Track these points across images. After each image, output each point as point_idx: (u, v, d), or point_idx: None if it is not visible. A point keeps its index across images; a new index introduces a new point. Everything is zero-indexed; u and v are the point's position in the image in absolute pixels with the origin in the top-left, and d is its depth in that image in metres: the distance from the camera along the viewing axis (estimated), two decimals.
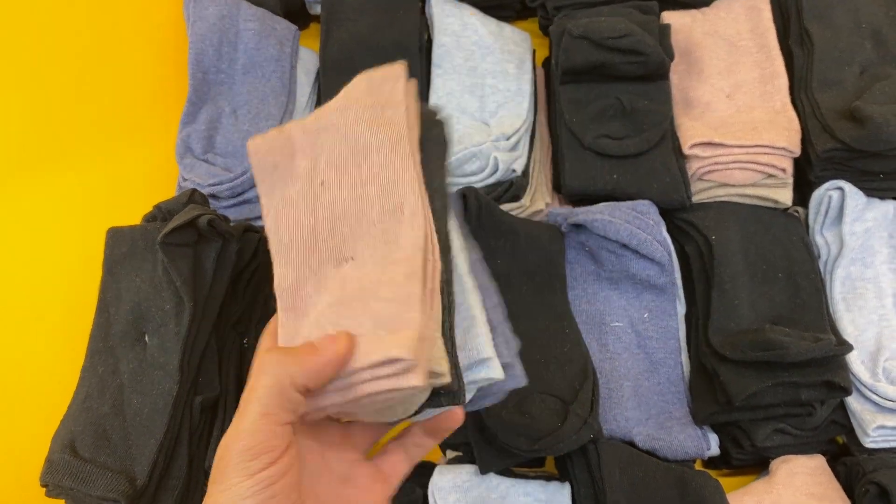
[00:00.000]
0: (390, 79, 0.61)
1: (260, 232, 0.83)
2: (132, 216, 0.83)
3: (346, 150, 0.60)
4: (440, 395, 0.54)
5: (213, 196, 0.91)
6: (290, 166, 0.61)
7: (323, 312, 0.56)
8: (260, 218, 0.87)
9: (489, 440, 0.77)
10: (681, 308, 0.88)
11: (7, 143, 1.06)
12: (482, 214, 0.82)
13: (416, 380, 0.51)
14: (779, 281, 0.84)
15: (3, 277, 0.98)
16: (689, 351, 0.86)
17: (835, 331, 0.82)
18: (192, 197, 0.81)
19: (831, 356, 0.76)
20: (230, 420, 0.74)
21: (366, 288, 0.56)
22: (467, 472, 0.79)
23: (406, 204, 0.58)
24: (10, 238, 1.00)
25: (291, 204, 0.60)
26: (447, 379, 0.53)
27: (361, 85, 0.62)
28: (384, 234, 0.58)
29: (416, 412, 0.56)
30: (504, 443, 0.74)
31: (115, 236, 0.79)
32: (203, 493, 0.72)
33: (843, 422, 0.81)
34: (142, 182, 1.02)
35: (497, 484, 0.79)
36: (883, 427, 0.78)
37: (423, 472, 0.83)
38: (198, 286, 0.75)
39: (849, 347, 0.77)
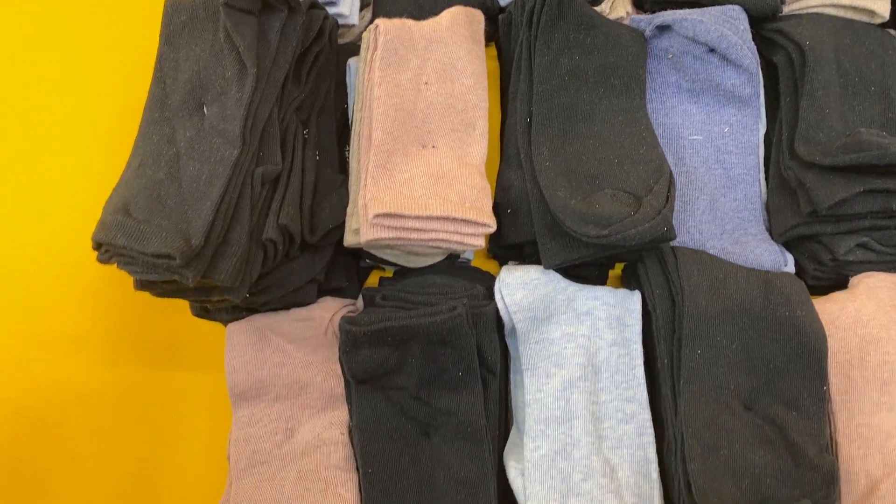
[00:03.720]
0: (476, 20, 0.84)
1: (325, 11, 0.79)
2: None
3: (448, 65, 0.80)
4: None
5: None
6: (406, 57, 0.79)
7: (413, 178, 0.73)
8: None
9: (555, 234, 0.74)
10: (762, 127, 0.83)
11: None
12: (563, 4, 0.77)
13: (481, 242, 0.74)
14: (871, 95, 0.79)
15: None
16: (766, 172, 0.82)
17: None
18: None
19: None
20: (290, 198, 0.72)
21: (447, 173, 0.74)
22: (536, 270, 0.75)
23: (478, 125, 0.79)
24: None
25: (400, 87, 0.77)
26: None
27: (461, 16, 0.82)
28: (460, 139, 0.78)
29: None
30: (571, 230, 0.70)
31: (175, 5, 0.75)
32: (259, 263, 0.70)
33: None
34: None
35: (565, 286, 0.76)
36: None
37: (481, 274, 0.81)
38: (261, 53, 0.71)
39: None
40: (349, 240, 0.75)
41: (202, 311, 0.82)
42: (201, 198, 0.67)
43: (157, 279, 0.67)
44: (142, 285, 0.69)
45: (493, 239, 0.82)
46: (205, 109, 0.72)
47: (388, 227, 0.71)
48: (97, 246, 0.68)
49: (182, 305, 0.84)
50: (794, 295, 0.70)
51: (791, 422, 0.67)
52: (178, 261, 0.64)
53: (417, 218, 0.71)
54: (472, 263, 0.83)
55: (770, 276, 0.71)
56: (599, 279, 0.82)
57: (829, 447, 0.68)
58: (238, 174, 0.68)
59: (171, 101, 0.73)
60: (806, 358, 0.68)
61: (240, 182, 0.69)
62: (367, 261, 0.82)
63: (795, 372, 0.68)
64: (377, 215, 0.70)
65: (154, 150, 0.71)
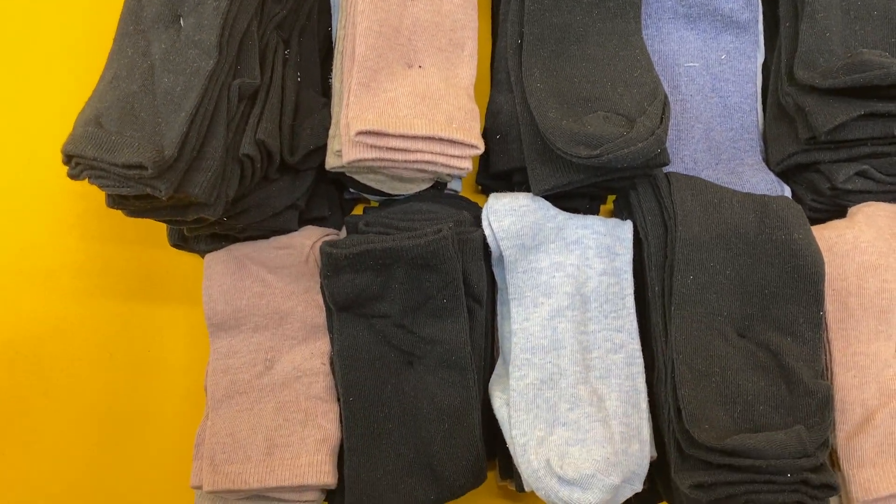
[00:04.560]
0: None
1: None
2: None
3: None
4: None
5: None
6: None
7: (398, 97, 0.69)
8: None
9: (545, 159, 0.71)
10: (760, 56, 0.80)
11: None
12: None
13: (468, 164, 0.71)
14: (874, 19, 0.76)
15: None
16: (764, 102, 0.79)
17: None
18: None
19: None
20: (268, 114, 0.69)
21: (434, 93, 0.71)
22: (525, 196, 0.73)
23: (467, 46, 0.76)
24: None
25: (385, 1, 0.73)
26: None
27: None
28: (448, 60, 0.75)
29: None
30: (562, 150, 0.68)
31: None
32: (236, 181, 0.67)
33: None
34: None
35: (555, 214, 0.73)
36: None
37: (468, 203, 0.78)
38: None
39: None
40: (331, 162, 0.72)
41: (180, 241, 0.79)
42: (175, 109, 0.64)
43: (129, 193, 0.64)
44: (114, 202, 0.67)
45: (481, 167, 0.80)
46: (181, 21, 0.69)
47: (370, 146, 0.68)
48: (67, 159, 0.65)
49: (160, 238, 0.81)
50: (790, 218, 0.67)
51: (786, 347, 0.65)
52: (150, 171, 0.61)
53: (402, 137, 0.68)
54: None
55: (766, 200, 0.69)
56: (591, 213, 0.79)
57: (824, 373, 0.66)
58: (214, 86, 0.66)
59: (147, 13, 0.70)
60: (802, 282, 0.66)
61: (216, 94, 0.66)
62: (352, 191, 0.79)
63: (791, 297, 0.66)
64: (359, 133, 0.67)
65: (128, 63, 0.68)
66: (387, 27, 0.72)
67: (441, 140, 0.69)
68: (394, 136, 0.68)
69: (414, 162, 0.70)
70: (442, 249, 0.67)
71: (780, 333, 0.66)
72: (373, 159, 0.69)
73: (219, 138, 0.65)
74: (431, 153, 0.69)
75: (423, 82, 0.72)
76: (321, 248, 0.69)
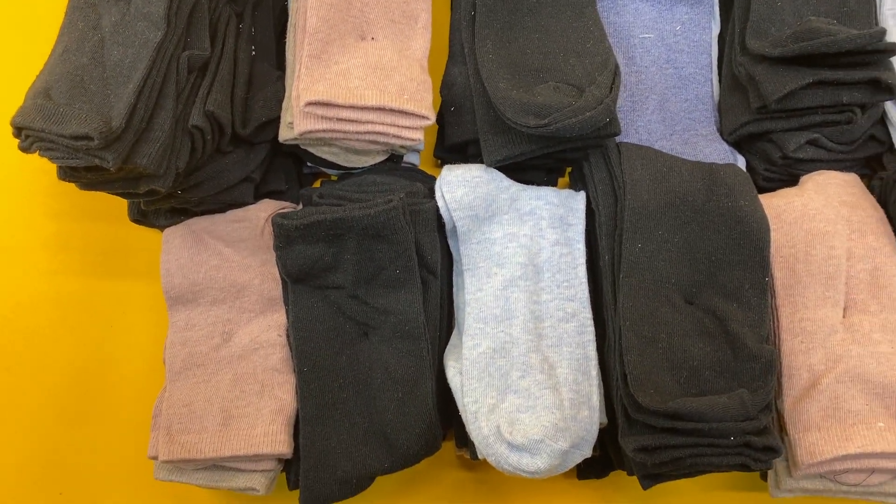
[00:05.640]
0: None
1: None
2: None
3: None
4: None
5: None
6: None
7: (350, 69, 0.70)
8: None
9: (497, 130, 0.71)
10: (715, 27, 0.80)
11: None
12: None
13: (419, 135, 0.71)
14: None
15: None
16: (720, 72, 0.79)
17: None
18: None
19: (881, 51, 0.69)
20: (218, 86, 0.69)
21: (387, 64, 0.71)
22: (478, 168, 0.73)
23: (420, 17, 0.76)
24: None
25: None
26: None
27: None
28: (402, 32, 0.75)
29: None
30: (511, 120, 0.68)
31: None
32: (186, 153, 0.68)
33: (883, 138, 0.75)
34: None
35: (508, 186, 0.74)
36: None
37: (424, 175, 0.78)
38: None
39: None
40: (284, 134, 0.72)
41: (139, 216, 0.79)
42: (124, 81, 0.65)
43: (78, 165, 0.64)
44: (65, 174, 0.67)
45: (438, 140, 0.80)
46: None
47: (320, 116, 0.69)
48: (17, 132, 0.65)
49: (120, 213, 0.82)
50: (737, 185, 0.68)
51: (731, 313, 0.65)
52: (97, 142, 0.61)
53: (352, 108, 0.69)
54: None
55: (714, 168, 0.69)
56: (549, 185, 0.80)
57: (769, 338, 0.66)
58: (162, 58, 0.66)
59: None
60: (748, 248, 0.66)
61: (164, 66, 0.66)
62: (310, 165, 0.80)
63: (737, 263, 0.67)
64: (309, 103, 0.68)
65: (78, 36, 0.68)
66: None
67: (392, 111, 0.69)
68: (344, 106, 0.68)
69: (365, 133, 0.70)
70: (392, 220, 0.68)
71: (726, 299, 0.66)
72: (324, 130, 0.69)
73: (167, 109, 0.66)
74: (382, 124, 0.70)
75: (376, 54, 0.72)
76: (273, 220, 0.69)
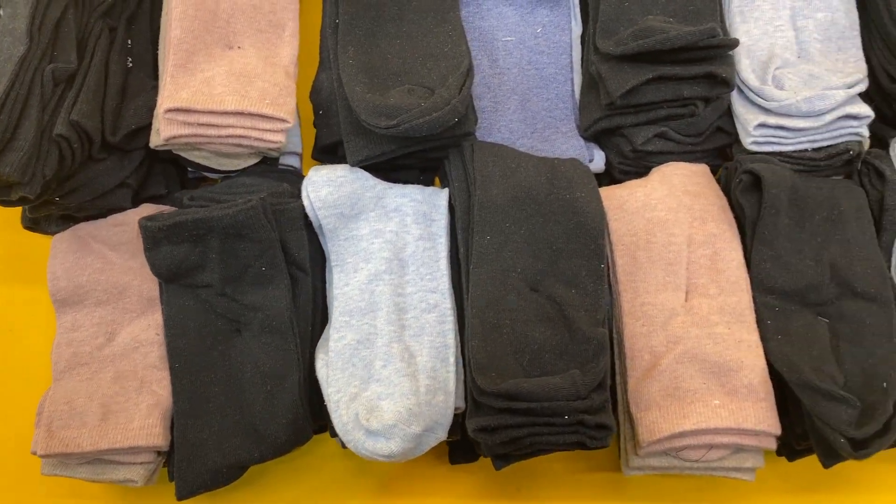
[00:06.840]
0: None
1: None
2: None
3: None
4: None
5: None
6: None
7: (214, 77, 0.73)
8: None
9: (359, 131, 0.75)
10: (577, 28, 0.84)
11: None
12: None
13: (280, 138, 0.75)
14: None
15: None
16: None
17: None
18: None
19: (716, 46, 0.72)
20: (85, 96, 0.72)
21: (251, 72, 0.75)
22: (343, 168, 0.77)
23: (287, 27, 0.80)
24: None
25: None
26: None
27: None
28: (268, 41, 0.79)
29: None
30: (365, 122, 0.71)
31: None
32: (54, 161, 0.71)
33: (730, 129, 0.78)
34: None
35: (374, 184, 0.77)
36: (764, 126, 0.75)
37: (295, 177, 0.82)
38: None
39: (734, 40, 0.73)
40: (153, 140, 0.76)
41: (31, 223, 0.83)
42: None
43: None
44: None
45: (315, 143, 0.83)
46: (1, 12, 0.72)
47: (181, 122, 0.72)
48: None
49: (15, 221, 0.85)
50: (575, 178, 0.71)
51: (570, 299, 0.69)
52: None
53: (211, 113, 0.72)
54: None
55: (556, 163, 0.73)
56: (425, 184, 0.83)
57: (604, 322, 0.69)
58: (26, 71, 0.69)
59: None
60: (584, 237, 0.70)
61: (28, 79, 0.69)
62: (192, 171, 0.83)
63: (575, 252, 0.70)
64: (168, 110, 0.71)
65: None
66: (203, 11, 0.76)
67: (251, 115, 0.73)
68: (203, 112, 0.72)
69: (227, 137, 0.73)
70: (251, 219, 0.71)
71: (565, 286, 0.70)
72: (187, 135, 0.73)
73: (31, 120, 0.69)
74: (243, 128, 0.73)
75: (241, 62, 0.76)
76: (139, 222, 0.72)
